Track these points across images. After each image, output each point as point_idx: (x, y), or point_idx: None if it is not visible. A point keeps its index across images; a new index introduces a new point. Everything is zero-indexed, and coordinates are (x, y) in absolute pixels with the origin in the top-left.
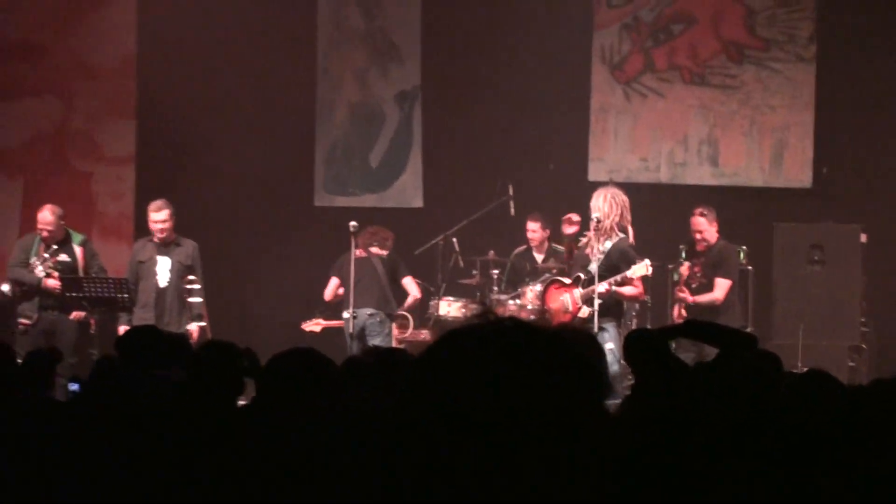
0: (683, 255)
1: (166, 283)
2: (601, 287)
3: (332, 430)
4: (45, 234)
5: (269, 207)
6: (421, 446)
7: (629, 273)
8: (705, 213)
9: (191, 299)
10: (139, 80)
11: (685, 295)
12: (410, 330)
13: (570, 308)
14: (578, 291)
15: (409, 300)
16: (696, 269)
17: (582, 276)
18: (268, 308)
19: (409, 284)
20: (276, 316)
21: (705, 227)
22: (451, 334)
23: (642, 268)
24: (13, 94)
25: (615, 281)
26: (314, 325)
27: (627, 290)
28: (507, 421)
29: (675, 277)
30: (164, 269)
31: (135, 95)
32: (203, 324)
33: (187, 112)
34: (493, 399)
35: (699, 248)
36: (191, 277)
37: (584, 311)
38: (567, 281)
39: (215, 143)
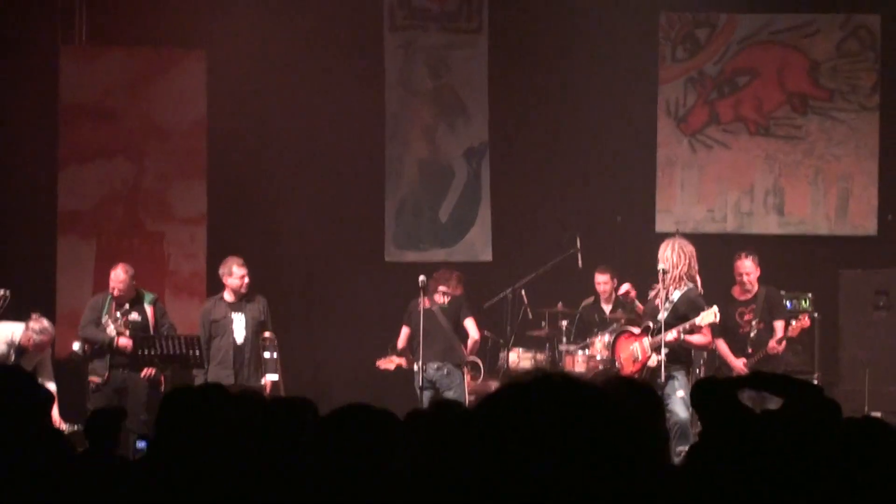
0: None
1: (242, 340)
2: (670, 335)
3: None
4: (116, 292)
5: (339, 264)
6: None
7: (697, 320)
8: (750, 255)
9: (265, 354)
10: (209, 141)
11: (780, 348)
12: (482, 378)
13: (640, 357)
14: (647, 340)
15: (469, 343)
16: (748, 316)
17: (651, 324)
18: (340, 363)
19: (470, 326)
20: (347, 370)
21: (752, 270)
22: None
23: (710, 315)
24: (87, 156)
25: (684, 329)
26: (388, 364)
27: (696, 339)
28: (547, 477)
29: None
30: (239, 326)
31: (205, 156)
32: (275, 378)
33: (257, 171)
34: (538, 456)
35: (740, 294)
36: (266, 334)
37: (654, 360)
38: (636, 330)
39: (285, 201)
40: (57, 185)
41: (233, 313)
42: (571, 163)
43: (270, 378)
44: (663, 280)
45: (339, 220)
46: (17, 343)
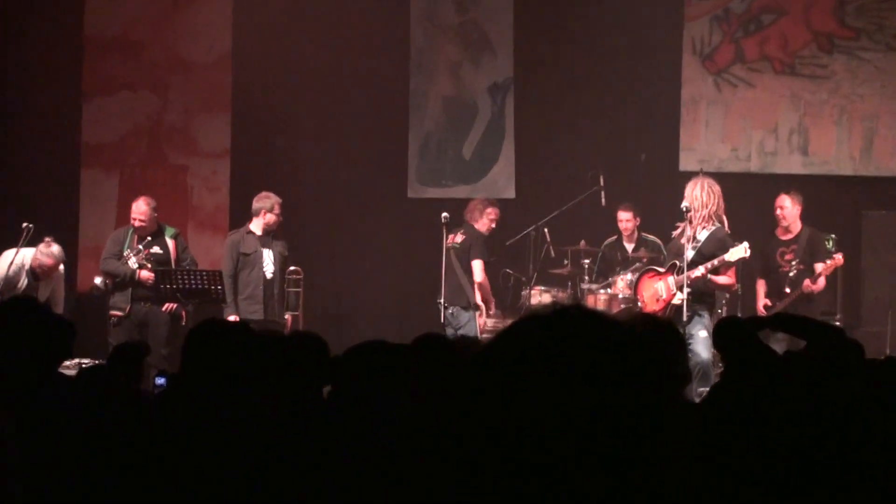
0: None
1: (271, 275)
2: (697, 272)
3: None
4: (137, 223)
5: (362, 199)
6: (475, 444)
7: (727, 256)
8: (792, 194)
9: (291, 290)
10: (234, 75)
11: (816, 286)
12: (484, 318)
13: (665, 295)
14: (673, 278)
15: (475, 285)
16: (788, 256)
17: (677, 262)
18: (362, 298)
19: (475, 267)
20: (370, 306)
21: (788, 206)
22: (516, 322)
23: (741, 250)
24: (109, 88)
25: (712, 265)
26: None
27: (721, 279)
28: (566, 413)
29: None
30: (269, 261)
31: (230, 90)
32: (297, 313)
33: (281, 106)
34: (553, 390)
35: (782, 234)
36: (292, 268)
37: (678, 298)
38: (661, 269)
39: (309, 136)
40: (81, 117)
41: (262, 248)
42: (596, 100)
43: (292, 313)
44: (690, 219)
45: (363, 155)
46: (27, 266)
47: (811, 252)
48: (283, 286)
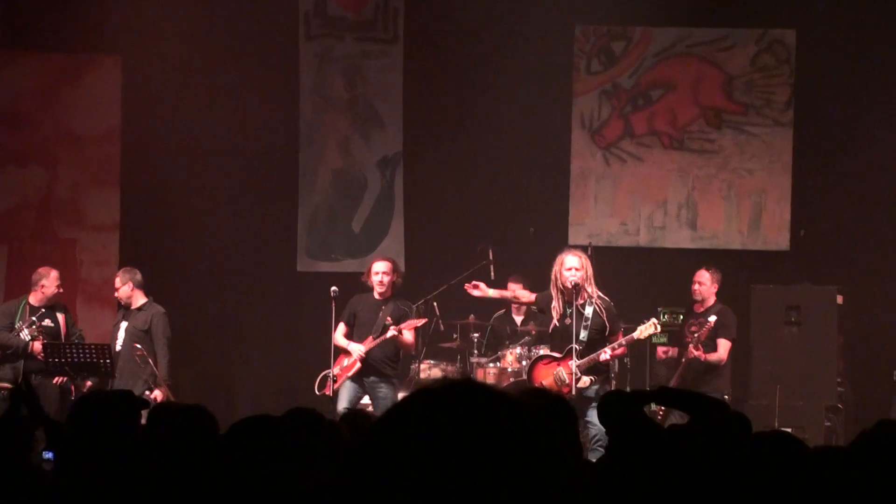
0: (681, 317)
1: (119, 348)
2: (604, 355)
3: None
4: (50, 292)
5: (252, 273)
6: None
7: (636, 335)
8: (711, 270)
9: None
10: (123, 148)
11: (699, 353)
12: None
13: (567, 380)
14: (574, 363)
15: None
16: (694, 328)
17: (577, 346)
18: (253, 371)
19: None
20: (259, 380)
21: (707, 282)
22: (409, 398)
23: (650, 327)
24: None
25: (620, 346)
26: None
27: (619, 351)
28: (458, 492)
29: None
30: (121, 334)
31: (118, 163)
32: (154, 392)
33: (170, 179)
34: (443, 468)
35: (697, 308)
36: (137, 346)
37: (585, 381)
38: (557, 355)
39: (198, 209)
40: None
41: (122, 321)
42: (485, 174)
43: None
44: (575, 293)
45: (253, 228)
46: None
47: (717, 326)
48: (135, 360)
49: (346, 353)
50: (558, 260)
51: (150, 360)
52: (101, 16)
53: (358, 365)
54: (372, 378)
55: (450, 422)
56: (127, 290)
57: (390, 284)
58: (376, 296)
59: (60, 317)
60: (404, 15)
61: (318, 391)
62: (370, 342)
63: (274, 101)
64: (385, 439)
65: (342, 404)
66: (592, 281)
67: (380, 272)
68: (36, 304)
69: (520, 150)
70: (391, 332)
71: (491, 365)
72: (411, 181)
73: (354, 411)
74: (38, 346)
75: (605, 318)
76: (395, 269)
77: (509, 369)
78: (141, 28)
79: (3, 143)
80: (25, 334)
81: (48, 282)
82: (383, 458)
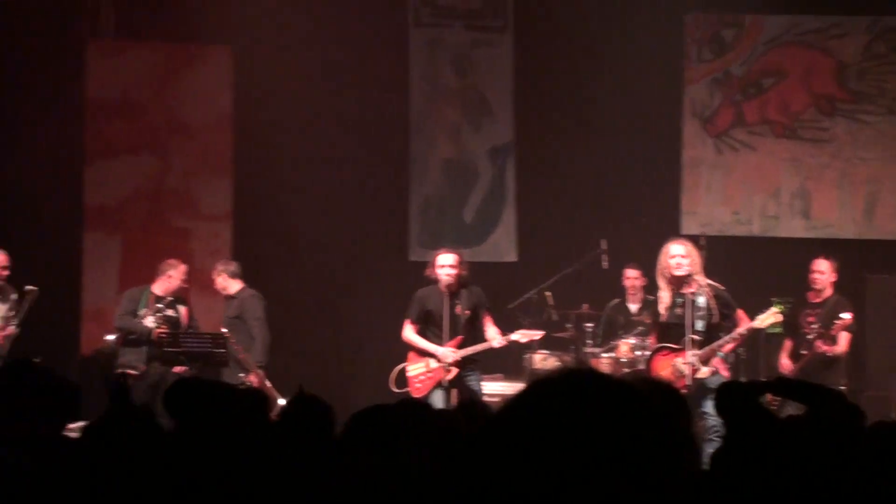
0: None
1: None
2: (728, 345)
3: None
4: (177, 284)
5: (363, 263)
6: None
7: (756, 324)
8: (829, 259)
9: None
10: (235, 137)
11: (827, 348)
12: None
13: (687, 372)
14: (691, 353)
15: None
16: (811, 318)
17: (694, 337)
18: (364, 362)
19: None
20: (369, 369)
21: (826, 271)
22: (530, 387)
23: (771, 316)
24: (111, 152)
25: (740, 336)
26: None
27: (737, 339)
28: (576, 477)
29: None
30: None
31: (231, 152)
32: (244, 374)
33: (282, 168)
34: (569, 454)
35: (813, 297)
36: (223, 331)
37: (704, 371)
38: (675, 347)
39: (310, 197)
40: (83, 180)
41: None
42: (597, 163)
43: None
44: (683, 283)
45: (364, 218)
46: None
47: (832, 317)
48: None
49: (423, 353)
50: (664, 250)
51: (241, 347)
52: (212, 5)
53: (452, 373)
54: (459, 372)
55: (572, 410)
56: (221, 281)
57: (457, 277)
58: (443, 289)
59: (182, 309)
60: (514, 3)
61: (397, 388)
62: (455, 345)
63: (384, 90)
64: (509, 428)
65: (435, 401)
66: (701, 270)
67: (446, 265)
68: (160, 294)
69: (631, 138)
70: (497, 342)
71: (604, 355)
72: (523, 170)
73: (470, 401)
74: (161, 333)
75: (717, 305)
76: (461, 262)
77: (623, 359)
78: (252, 17)
79: (115, 133)
80: (150, 321)
81: (176, 273)
82: (507, 447)
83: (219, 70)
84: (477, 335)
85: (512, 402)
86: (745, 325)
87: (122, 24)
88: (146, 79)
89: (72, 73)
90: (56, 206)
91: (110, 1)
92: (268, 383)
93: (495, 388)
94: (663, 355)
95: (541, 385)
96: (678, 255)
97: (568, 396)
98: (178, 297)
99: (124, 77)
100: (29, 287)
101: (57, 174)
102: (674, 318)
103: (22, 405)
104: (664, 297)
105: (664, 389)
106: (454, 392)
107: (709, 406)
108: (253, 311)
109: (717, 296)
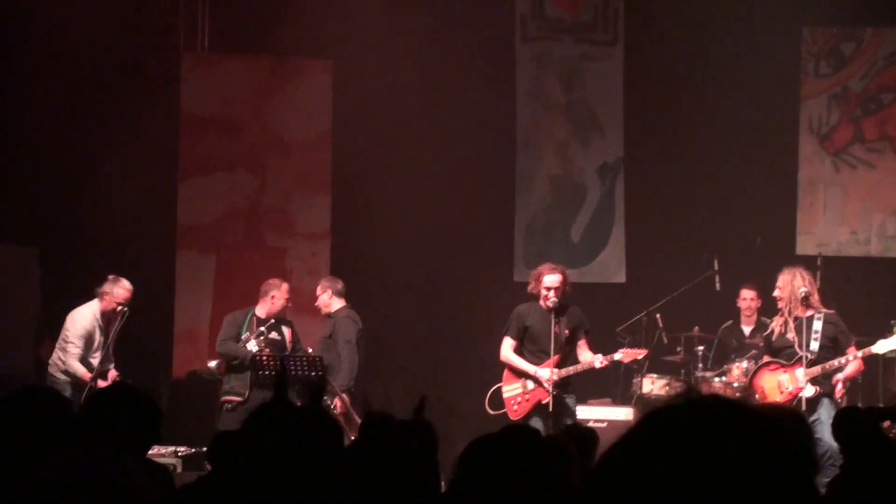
0: None
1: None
2: (851, 366)
3: None
4: (280, 305)
5: (466, 282)
6: None
7: (875, 349)
8: None
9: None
10: (334, 154)
11: None
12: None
13: (791, 388)
14: (801, 371)
15: None
16: None
17: (807, 354)
18: (467, 385)
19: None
20: (473, 392)
21: None
22: (652, 414)
23: (893, 341)
24: (208, 168)
25: (857, 358)
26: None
27: (854, 367)
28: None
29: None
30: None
31: (329, 169)
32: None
33: (383, 185)
34: (698, 481)
35: None
36: (309, 350)
37: (810, 391)
38: (785, 362)
39: (411, 215)
40: (177, 197)
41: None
42: (709, 181)
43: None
44: (806, 306)
45: (467, 237)
46: (99, 317)
47: None
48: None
49: (520, 373)
50: (794, 272)
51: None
52: (312, 18)
53: (551, 396)
54: (556, 393)
55: (702, 439)
56: (325, 297)
57: (561, 294)
58: (545, 305)
59: (287, 330)
60: (624, 16)
61: (492, 410)
62: (554, 364)
63: (489, 105)
64: (636, 459)
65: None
66: (817, 293)
67: (552, 286)
68: (263, 317)
69: (745, 155)
70: (598, 364)
71: (716, 379)
72: (632, 188)
73: (577, 426)
74: (257, 357)
75: (835, 333)
76: (565, 280)
77: (735, 384)
78: (353, 31)
79: (211, 149)
80: (252, 345)
81: (279, 293)
82: (635, 479)
83: (318, 85)
84: (571, 356)
85: (635, 432)
86: (857, 350)
87: (218, 36)
88: (243, 93)
89: (166, 87)
90: (148, 223)
91: (206, 14)
92: (352, 410)
93: (602, 414)
94: (770, 369)
95: (665, 413)
96: (806, 279)
97: (696, 425)
98: (282, 318)
99: (220, 91)
100: (119, 307)
101: (150, 191)
102: (783, 341)
103: (110, 428)
104: (778, 319)
105: (787, 413)
106: (549, 414)
107: (821, 431)
108: (344, 334)
109: (834, 322)
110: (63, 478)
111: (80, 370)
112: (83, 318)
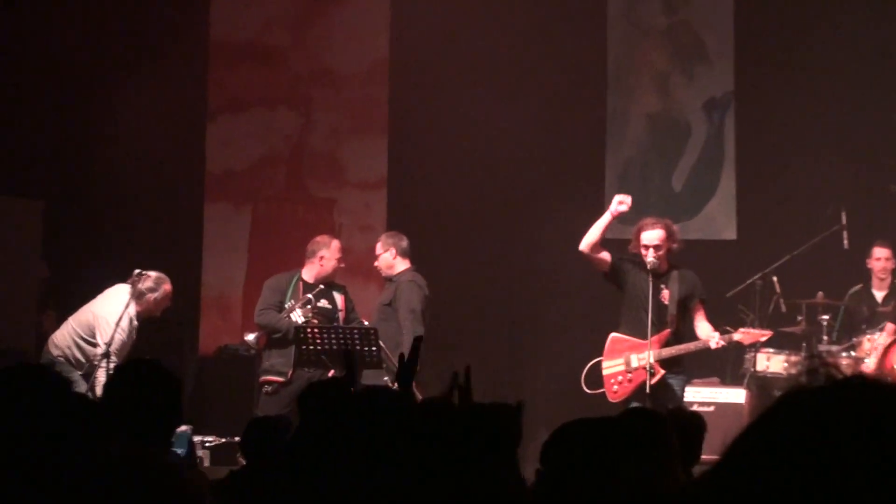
0: None
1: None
2: None
3: None
4: (331, 267)
5: (549, 241)
6: None
7: None
8: None
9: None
10: (392, 89)
11: None
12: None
13: None
14: None
15: None
16: None
17: None
18: (544, 357)
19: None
20: (555, 366)
21: None
22: (790, 398)
23: None
24: (242, 105)
25: None
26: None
27: None
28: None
29: None
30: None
31: (386, 107)
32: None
33: (448, 127)
34: (855, 479)
35: None
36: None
37: None
38: None
39: (481, 163)
40: (205, 140)
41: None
42: (836, 119)
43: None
44: None
45: (550, 187)
46: (134, 317)
47: None
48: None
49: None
50: None
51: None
52: None
53: (658, 375)
54: (661, 375)
55: (856, 433)
56: (388, 257)
57: (665, 256)
58: (648, 267)
59: (339, 297)
60: None
61: (589, 389)
62: (661, 340)
63: (576, 30)
64: (768, 458)
65: None
66: None
67: (651, 244)
68: (311, 281)
69: (880, 87)
70: (714, 344)
71: (844, 354)
72: (744, 128)
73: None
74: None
75: None
76: (670, 235)
77: (867, 359)
78: None
79: (249, 82)
80: (298, 315)
81: (329, 253)
82: (769, 483)
83: (374, 9)
84: (685, 331)
85: (766, 424)
86: None
87: None
88: (284, 19)
89: (192, 9)
90: (171, 171)
91: None
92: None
93: (709, 396)
94: None
95: (804, 399)
96: None
97: (851, 411)
98: (333, 283)
99: (257, 15)
100: (137, 271)
101: (173, 133)
102: None
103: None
104: None
105: None
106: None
107: None
108: (408, 301)
109: None
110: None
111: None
112: (122, 331)
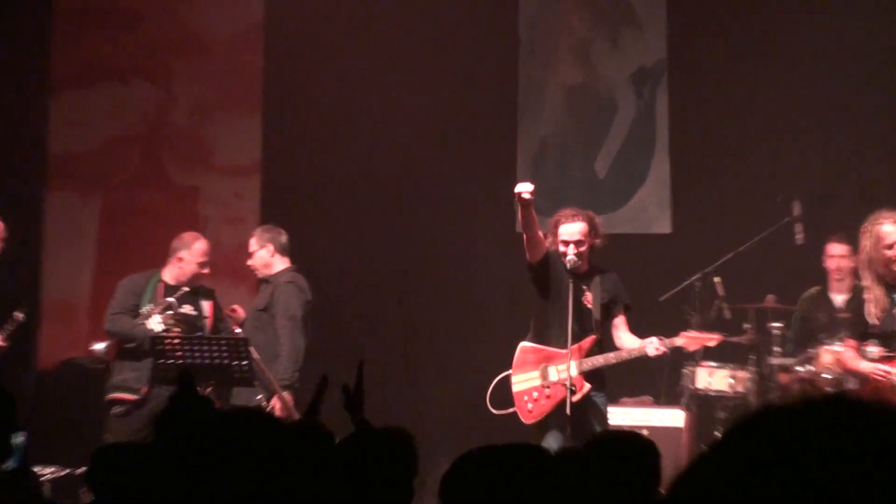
0: None
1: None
2: None
3: None
4: (191, 271)
5: (451, 231)
6: None
7: None
8: None
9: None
10: (267, 59)
11: None
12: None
13: None
14: None
15: None
16: None
17: None
18: (448, 373)
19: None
20: (460, 383)
21: None
22: (757, 420)
23: None
24: (91, 77)
25: None
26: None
27: None
28: None
29: None
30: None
31: (260, 80)
32: (261, 397)
33: (333, 103)
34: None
35: None
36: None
37: None
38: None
39: (374, 145)
40: (47, 117)
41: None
42: (787, 94)
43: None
44: None
45: (453, 170)
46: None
47: None
48: None
49: (531, 358)
50: (873, 229)
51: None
52: None
53: (582, 391)
54: (585, 391)
55: (846, 452)
56: (264, 255)
57: (588, 251)
58: (567, 266)
59: (206, 303)
60: None
61: (496, 410)
62: (585, 350)
63: None
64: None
65: (550, 444)
66: None
67: (570, 239)
68: (173, 283)
69: (839, 58)
70: (653, 350)
71: (799, 368)
72: (679, 104)
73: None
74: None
75: None
76: (593, 229)
77: (825, 375)
78: None
79: (96, 52)
80: (156, 322)
81: (189, 255)
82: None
83: None
84: (606, 342)
85: (727, 453)
86: None
87: None
88: None
89: None
90: (7, 153)
91: None
92: (293, 411)
93: (641, 418)
94: (885, 364)
95: (777, 421)
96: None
97: (830, 434)
98: (200, 286)
99: None
100: (16, 313)
101: (9, 109)
102: (890, 322)
103: None
104: (876, 294)
105: None
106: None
107: None
108: (286, 306)
109: None
110: None
111: None
112: None
